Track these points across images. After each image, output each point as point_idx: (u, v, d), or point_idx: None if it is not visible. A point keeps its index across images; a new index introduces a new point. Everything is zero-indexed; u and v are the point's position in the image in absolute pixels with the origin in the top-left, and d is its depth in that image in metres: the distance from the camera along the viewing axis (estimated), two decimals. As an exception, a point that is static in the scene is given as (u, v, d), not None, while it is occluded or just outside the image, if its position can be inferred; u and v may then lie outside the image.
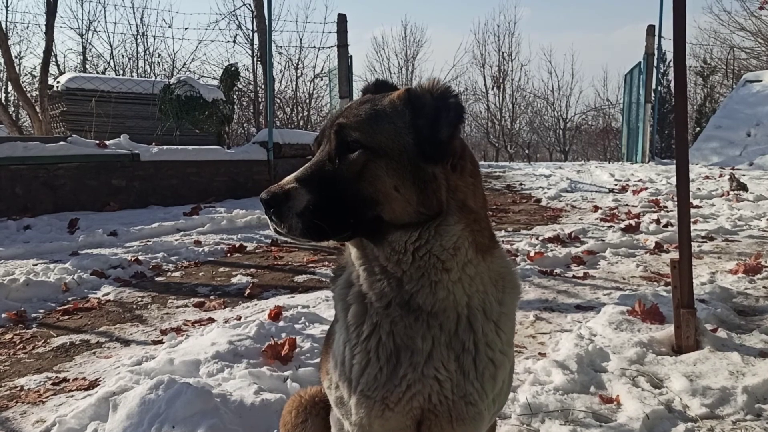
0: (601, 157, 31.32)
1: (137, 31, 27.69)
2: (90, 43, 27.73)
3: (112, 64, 27.98)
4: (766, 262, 5.87)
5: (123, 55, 28.26)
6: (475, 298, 1.68)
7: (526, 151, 34.53)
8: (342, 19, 15.06)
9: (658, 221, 7.99)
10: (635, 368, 3.62)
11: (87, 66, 26.92)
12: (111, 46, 28.06)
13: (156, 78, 20.72)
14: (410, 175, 1.57)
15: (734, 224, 7.86)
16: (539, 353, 3.94)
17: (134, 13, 30.00)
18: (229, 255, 6.97)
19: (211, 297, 5.34)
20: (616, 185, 11.99)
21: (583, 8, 60.52)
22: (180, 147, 10.77)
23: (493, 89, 35.09)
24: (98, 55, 28.39)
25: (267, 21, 11.75)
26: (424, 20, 57.19)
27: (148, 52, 28.24)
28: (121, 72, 26.94)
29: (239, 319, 4.51)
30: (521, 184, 12.64)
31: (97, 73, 24.26)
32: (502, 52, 35.02)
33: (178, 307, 5.10)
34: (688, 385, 3.36)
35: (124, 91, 13.35)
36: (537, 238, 7.17)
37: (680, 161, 4.08)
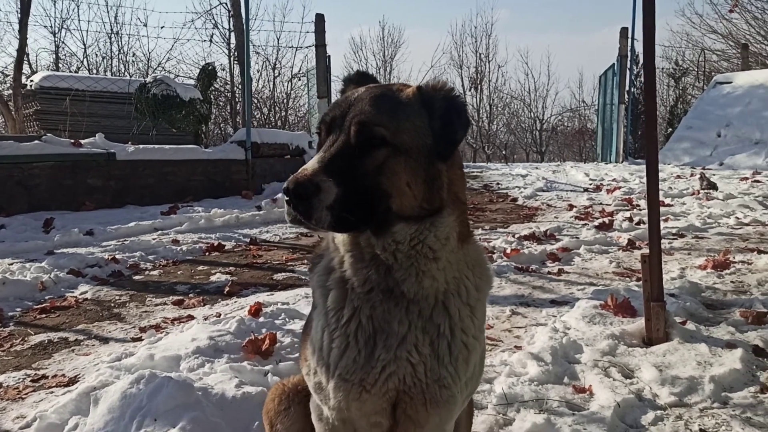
0: (576, 157, 31.67)
1: (111, 29, 27.40)
2: (63, 42, 27.36)
3: (85, 63, 27.64)
4: (734, 258, 6.03)
5: (97, 54, 27.91)
6: (452, 284, 1.76)
7: (504, 152, 34.76)
8: (320, 19, 15.08)
9: (630, 219, 8.15)
10: (607, 359, 3.72)
11: (60, 65, 26.57)
12: (84, 45, 27.71)
13: (131, 77, 20.54)
14: (422, 171, 1.65)
15: (704, 222, 8.04)
16: (515, 346, 4.03)
17: (108, 11, 29.74)
18: (207, 254, 6.98)
19: (190, 295, 5.35)
20: (590, 185, 12.17)
21: (561, 11, 61.16)
22: (157, 146, 10.72)
23: (470, 90, 35.27)
24: (71, 54, 28.03)
25: (244, 19, 11.74)
26: (402, 21, 57.41)
27: (122, 51, 27.96)
28: (95, 71, 26.62)
29: (219, 316, 4.53)
30: (498, 184, 12.77)
31: (71, 72, 23.97)
32: (480, 54, 35.25)
33: (156, 305, 5.11)
34: (658, 375, 3.47)
35: (98, 90, 13.23)
36: (513, 236, 7.28)
37: (650, 159, 4.21)
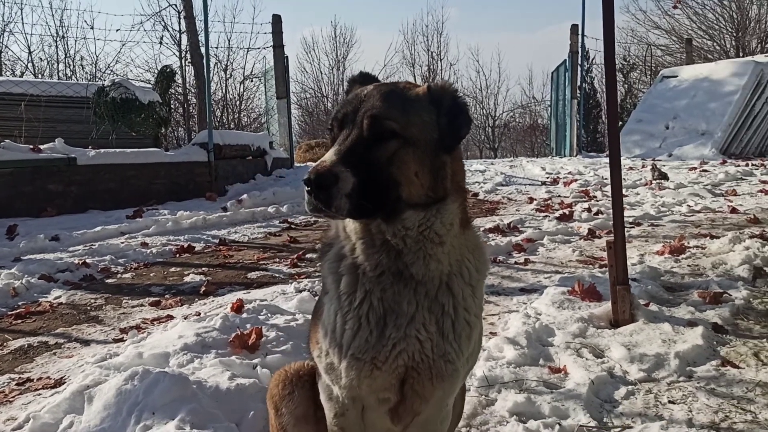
0: (529, 153, 32.26)
1: (57, 32, 26.77)
2: (6, 46, 26.62)
3: (30, 67, 26.96)
4: (688, 243, 6.34)
5: (42, 59, 27.26)
6: (455, 266, 1.90)
7: (458, 149, 35.18)
8: (276, 20, 15.10)
9: (589, 210, 8.45)
10: (578, 341, 3.92)
11: (3, 69, 25.85)
12: (29, 49, 27.04)
13: (80, 81, 20.16)
14: (429, 162, 1.79)
15: (658, 210, 8.40)
16: (490, 332, 4.20)
17: (53, 14, 28.91)
18: (178, 255, 6.99)
19: (167, 296, 5.39)
20: (547, 178, 12.51)
21: (509, 9, 62.03)
22: (118, 150, 10.62)
23: (422, 88, 35.58)
24: (16, 59, 27.30)
25: (204, 18, 11.70)
26: (353, 20, 57.42)
27: (68, 55, 27.35)
28: (41, 75, 25.98)
29: (199, 314, 4.59)
30: (458, 180, 13.00)
31: (14, 76, 23.36)
32: (431, 52, 35.66)
33: (133, 306, 5.14)
34: (627, 354, 3.68)
35: (54, 94, 12.99)
36: (478, 229, 7.47)
37: (612, 152, 4.42)
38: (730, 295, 4.64)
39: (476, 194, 11.01)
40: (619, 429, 2.98)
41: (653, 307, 4.42)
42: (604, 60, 4.35)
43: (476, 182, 12.31)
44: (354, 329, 1.85)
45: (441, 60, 35.57)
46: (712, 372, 3.48)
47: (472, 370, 3.55)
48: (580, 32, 16.82)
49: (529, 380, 3.44)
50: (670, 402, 3.20)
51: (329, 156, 1.71)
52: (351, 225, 1.88)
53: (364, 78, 2.03)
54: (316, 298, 2.40)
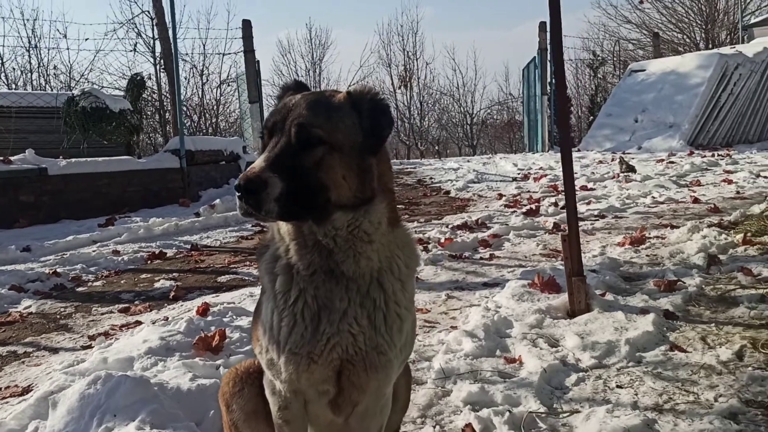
0: (507, 149, 32.46)
1: (29, 42, 26.55)
2: (-23, 58, 26.35)
3: (3, 78, 26.72)
4: (649, 234, 6.51)
5: (15, 69, 27.02)
6: (385, 263, 2.01)
7: (436, 148, 35.39)
8: (247, 25, 15.15)
9: (556, 204, 8.60)
10: (535, 332, 4.04)
11: (-25, 81, 25.62)
12: (1, 59, 26.80)
13: (57, 90, 20.02)
14: (355, 165, 1.88)
15: (623, 203, 8.57)
16: (451, 326, 4.32)
17: (25, 24, 28.63)
18: (149, 262, 7.04)
19: (136, 302, 5.45)
20: (519, 174, 12.67)
21: (484, 7, 62.38)
22: (89, 159, 10.62)
23: (400, 88, 35.74)
24: (-13, 70, 27.02)
25: (171, 24, 11.72)
26: (328, 22, 57.37)
27: (42, 65, 27.14)
28: (14, 86, 25.77)
29: (167, 319, 4.67)
30: (431, 179, 13.13)
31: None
32: (407, 52, 35.74)
33: (103, 313, 5.20)
34: (580, 342, 3.81)
35: (24, 105, 12.94)
36: (447, 227, 7.61)
37: (564, 147, 4.57)
38: (684, 283, 4.79)
39: (448, 192, 11.14)
40: (567, 414, 3.10)
41: (609, 296, 4.56)
42: (553, 60, 4.48)
43: (449, 180, 12.44)
44: (290, 326, 1.95)
45: (417, 59, 35.72)
46: (660, 357, 3.62)
47: (432, 364, 3.71)
48: (548, 29, 17.03)
49: (484, 371, 3.55)
50: (618, 386, 3.33)
51: (259, 163, 1.81)
52: (284, 227, 1.97)
53: (298, 85, 2.13)
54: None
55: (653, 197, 8.82)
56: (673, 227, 6.74)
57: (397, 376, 2.21)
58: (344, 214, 1.90)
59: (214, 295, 5.45)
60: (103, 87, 23.38)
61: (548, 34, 17.24)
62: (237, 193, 1.78)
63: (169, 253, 7.43)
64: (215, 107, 29.34)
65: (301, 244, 1.95)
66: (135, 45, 24.44)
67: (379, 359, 1.98)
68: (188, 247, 7.70)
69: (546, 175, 11.91)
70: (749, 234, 5.92)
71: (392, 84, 35.78)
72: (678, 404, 3.09)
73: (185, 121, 25.38)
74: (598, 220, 7.68)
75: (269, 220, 1.86)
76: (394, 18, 49.62)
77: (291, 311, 1.96)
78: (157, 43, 22.23)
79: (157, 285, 6.04)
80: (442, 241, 6.67)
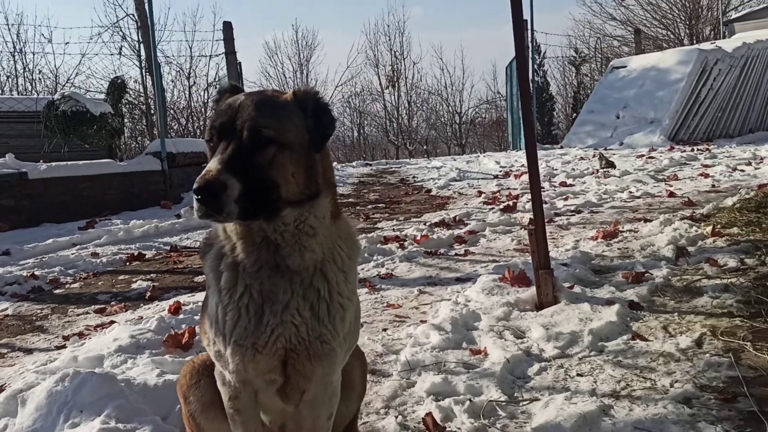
0: (496, 147, 32.56)
1: (14, 47, 26.46)
2: (-38, 63, 26.24)
3: (-11, 82, 26.59)
4: (623, 228, 6.60)
5: (0, 74, 26.94)
6: (328, 254, 2.08)
7: (425, 147, 35.46)
8: (227, 27, 15.16)
9: (534, 200, 8.68)
10: (502, 324, 4.11)
11: (-40, 86, 25.50)
12: (-13, 64, 26.66)
13: (39, 95, 19.94)
14: (303, 162, 1.96)
15: (600, 198, 8.68)
16: (421, 321, 4.38)
17: (9, 29, 28.49)
18: (128, 264, 7.07)
19: (112, 303, 5.48)
20: (500, 172, 12.77)
21: (476, 6, 62.54)
22: (70, 163, 10.61)
23: (388, 88, 35.81)
24: (-28, 75, 26.89)
25: (150, 23, 11.74)
26: (315, 23, 57.30)
27: (27, 69, 27.05)
28: (0, 91, 25.69)
29: (141, 319, 4.71)
30: (414, 177, 13.21)
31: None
32: (394, 52, 35.78)
33: (78, 314, 5.23)
34: (545, 333, 3.88)
35: (5, 110, 12.91)
36: (425, 224, 7.69)
37: (528, 144, 4.65)
38: (652, 275, 4.88)
39: (429, 191, 11.21)
40: (527, 402, 3.17)
41: (577, 288, 4.63)
42: (516, 61, 4.55)
43: (431, 179, 12.52)
44: (234, 319, 2.02)
45: (404, 59, 35.78)
46: (622, 345, 3.70)
47: (399, 357, 3.77)
48: (529, 27, 17.17)
49: (449, 362, 3.62)
50: (578, 375, 3.40)
51: (214, 165, 1.84)
52: (231, 226, 2.03)
53: (233, 88, 2.18)
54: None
55: (630, 192, 8.93)
56: (646, 221, 6.83)
57: (346, 364, 2.28)
58: (293, 210, 1.96)
59: (189, 294, 5.49)
60: (89, 91, 23.35)
61: (529, 32, 17.44)
62: (196, 197, 1.82)
63: (148, 254, 7.45)
64: (203, 110, 29.31)
65: (249, 241, 2.01)
66: (120, 48, 24.35)
67: (323, 348, 2.05)
68: (167, 248, 7.73)
69: (527, 173, 11.98)
70: (719, 226, 6.03)
71: (380, 84, 35.85)
72: (635, 390, 3.17)
73: (172, 124, 25.39)
74: (574, 215, 7.77)
75: (229, 221, 1.91)
76: (380, 18, 49.71)
77: (236, 306, 2.02)
78: (143, 46, 22.15)
79: (134, 286, 6.07)
80: (418, 238, 6.74)
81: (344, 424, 2.53)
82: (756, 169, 10.45)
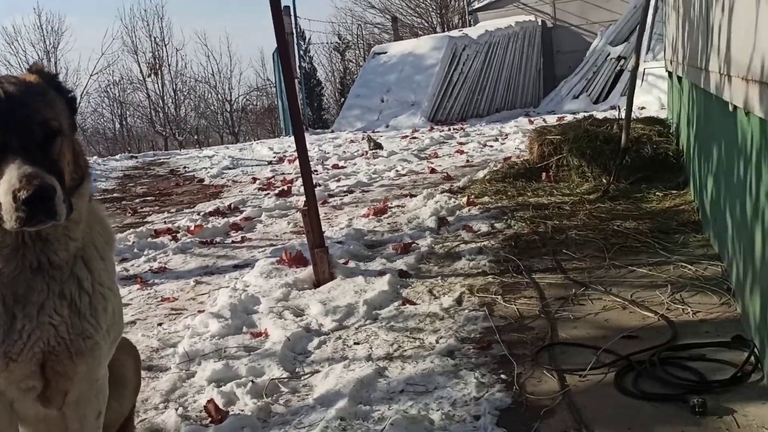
0: (270, 134, 32.45)
1: None
2: None
3: None
4: (392, 204, 6.99)
5: None
6: (87, 238, 1.96)
7: (196, 137, 34.28)
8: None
9: (308, 183, 8.85)
10: (281, 305, 4.17)
11: None
12: None
13: None
14: (71, 147, 1.84)
15: (370, 177, 9.08)
16: (198, 311, 4.29)
17: None
18: None
19: None
20: (274, 157, 12.81)
21: (231, -9, 61.35)
22: None
23: (150, 76, 33.95)
24: None
25: None
26: (61, 7, 52.42)
27: None
28: None
29: None
30: (185, 168, 12.75)
31: None
32: (154, 38, 33.94)
33: None
34: (323, 309, 4.01)
35: None
36: (199, 214, 7.48)
37: (296, 130, 4.74)
38: (418, 244, 5.24)
39: (201, 180, 10.89)
40: (308, 375, 3.28)
41: (352, 264, 4.83)
42: (278, 48, 4.61)
43: (203, 168, 12.16)
44: None
45: (166, 45, 34.09)
46: (393, 311, 3.95)
47: (177, 350, 3.65)
48: (292, 14, 17.36)
49: (230, 348, 3.61)
50: (355, 344, 3.58)
51: (24, 169, 1.63)
52: None
53: None
54: None
55: (397, 171, 9.44)
56: (412, 196, 7.28)
57: (116, 359, 2.20)
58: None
59: None
60: None
61: (293, 18, 17.63)
62: (24, 206, 1.60)
63: None
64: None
65: (12, 246, 1.82)
66: None
67: (86, 344, 1.94)
68: None
69: (300, 157, 12.16)
70: (473, 196, 6.64)
71: (141, 72, 33.86)
72: (406, 350, 3.42)
73: None
74: (347, 195, 8.05)
75: (60, 222, 1.72)
76: (136, 2, 46.66)
77: None
78: None
79: None
80: (192, 228, 6.56)
81: (119, 422, 2.42)
82: (502, 144, 11.61)
